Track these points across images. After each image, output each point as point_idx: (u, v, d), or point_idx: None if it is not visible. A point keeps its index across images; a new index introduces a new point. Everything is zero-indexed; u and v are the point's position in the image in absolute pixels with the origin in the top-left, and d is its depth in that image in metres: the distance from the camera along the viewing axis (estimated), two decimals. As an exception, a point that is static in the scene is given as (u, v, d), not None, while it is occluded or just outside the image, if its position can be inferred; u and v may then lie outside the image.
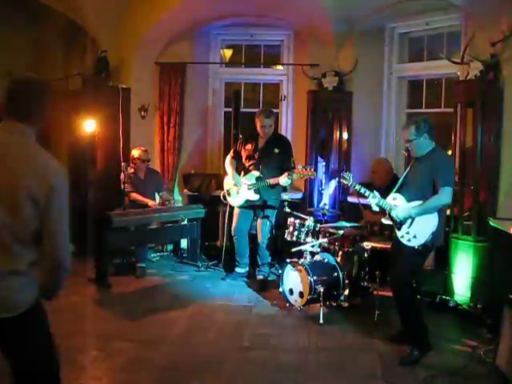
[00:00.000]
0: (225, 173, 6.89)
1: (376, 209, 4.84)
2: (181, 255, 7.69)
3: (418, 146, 4.53)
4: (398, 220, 4.53)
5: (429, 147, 4.52)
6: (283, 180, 6.13)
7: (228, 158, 6.79)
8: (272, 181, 6.25)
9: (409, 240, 4.47)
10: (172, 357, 4.49)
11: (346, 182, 5.00)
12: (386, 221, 4.73)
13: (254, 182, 6.41)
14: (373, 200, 4.76)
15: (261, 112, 6.54)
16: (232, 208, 6.84)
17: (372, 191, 4.79)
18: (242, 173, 6.62)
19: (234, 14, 7.81)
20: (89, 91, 7.57)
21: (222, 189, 6.86)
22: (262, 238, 6.57)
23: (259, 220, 6.57)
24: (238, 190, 6.53)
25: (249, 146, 6.62)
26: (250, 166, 6.55)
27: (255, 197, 6.43)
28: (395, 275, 4.59)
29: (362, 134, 7.70)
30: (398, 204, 4.57)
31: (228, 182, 6.71)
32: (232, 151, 6.84)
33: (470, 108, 5.79)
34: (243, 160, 6.67)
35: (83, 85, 7.80)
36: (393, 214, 4.57)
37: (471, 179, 5.76)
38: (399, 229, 4.55)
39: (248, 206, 6.59)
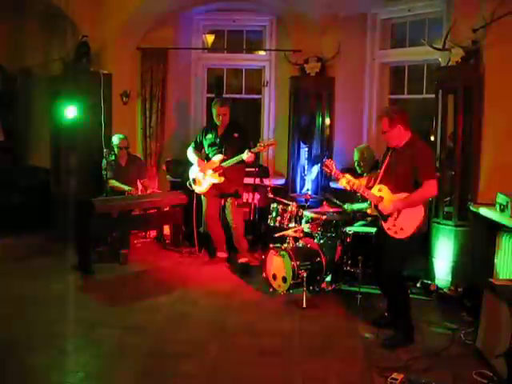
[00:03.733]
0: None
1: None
2: (164, 241, 7.69)
3: (392, 138, 4.54)
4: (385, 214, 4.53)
5: (405, 137, 4.52)
6: (246, 155, 6.26)
7: (190, 149, 6.92)
8: (235, 159, 6.39)
9: (396, 232, 4.46)
10: (157, 343, 4.50)
11: (328, 170, 5.03)
12: (371, 211, 4.73)
13: (217, 165, 6.51)
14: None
15: (216, 101, 6.76)
16: (199, 196, 6.89)
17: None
18: (205, 161, 6.76)
19: (216, -1, 7.77)
20: (69, 77, 7.48)
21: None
22: (234, 225, 6.70)
23: (228, 206, 6.69)
24: (204, 176, 6.62)
25: (209, 136, 6.78)
26: (213, 152, 6.69)
27: (220, 179, 6.54)
28: (386, 268, 4.54)
29: (344, 120, 7.74)
30: (383, 195, 4.55)
31: (193, 170, 6.82)
32: (193, 142, 6.97)
33: (451, 94, 5.84)
34: (205, 149, 6.82)
35: (64, 70, 7.70)
36: (380, 207, 4.55)
37: (452, 165, 5.82)
38: (385, 221, 4.54)
39: (215, 194, 6.71)
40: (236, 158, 6.39)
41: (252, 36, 8.54)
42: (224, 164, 6.50)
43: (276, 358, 4.27)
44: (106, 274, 6.32)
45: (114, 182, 7.07)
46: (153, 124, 8.10)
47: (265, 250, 6.11)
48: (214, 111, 6.65)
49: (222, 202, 6.81)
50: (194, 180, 6.82)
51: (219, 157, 6.56)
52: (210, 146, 6.76)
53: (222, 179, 6.54)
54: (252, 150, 6.25)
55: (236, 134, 6.62)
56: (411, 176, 4.44)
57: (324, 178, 7.41)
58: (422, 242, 5.54)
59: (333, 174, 5.00)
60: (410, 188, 4.44)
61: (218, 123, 6.68)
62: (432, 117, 6.13)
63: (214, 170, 6.55)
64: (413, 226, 4.40)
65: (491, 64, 5.58)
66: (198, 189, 6.80)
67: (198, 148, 6.91)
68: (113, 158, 7.21)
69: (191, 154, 6.86)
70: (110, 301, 5.43)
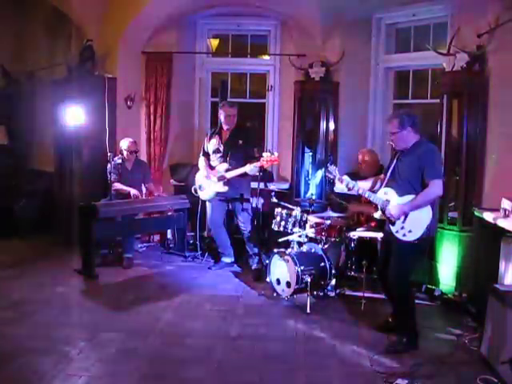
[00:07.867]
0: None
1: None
2: (168, 246, 7.69)
3: (400, 139, 4.50)
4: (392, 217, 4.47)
5: (413, 140, 4.50)
6: (249, 169, 6.27)
7: (200, 158, 6.90)
8: (239, 171, 6.36)
9: (404, 235, 4.42)
10: (160, 347, 4.49)
11: (331, 176, 4.95)
12: (378, 216, 4.67)
13: (222, 173, 6.49)
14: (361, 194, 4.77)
15: (225, 103, 6.76)
16: (204, 202, 6.90)
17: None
18: (210, 168, 6.75)
19: (220, 4, 7.77)
20: (74, 80, 7.49)
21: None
22: (244, 230, 6.69)
23: (238, 211, 6.67)
24: (209, 183, 6.62)
25: (213, 141, 6.73)
26: (217, 159, 6.67)
27: (224, 188, 6.53)
28: (395, 272, 4.50)
29: (348, 125, 7.72)
30: (389, 198, 4.51)
31: (199, 177, 6.82)
32: (202, 150, 6.95)
33: (455, 99, 5.83)
34: (210, 156, 6.78)
35: (68, 74, 7.72)
36: (386, 212, 4.49)
37: (457, 169, 5.80)
38: (393, 224, 4.49)
39: (220, 199, 6.67)
40: (240, 170, 6.36)
41: (256, 40, 8.54)
42: (228, 174, 6.46)
43: (280, 363, 4.25)
44: (109, 278, 6.32)
45: (118, 185, 7.06)
46: (157, 128, 8.11)
47: (269, 255, 6.09)
48: (223, 113, 6.58)
49: (229, 207, 6.75)
50: (199, 186, 6.81)
51: (224, 166, 6.53)
52: (214, 152, 6.72)
53: (226, 188, 6.51)
54: (254, 164, 6.21)
55: (241, 141, 6.57)
56: (417, 178, 4.41)
57: (328, 182, 7.37)
58: (430, 246, 5.51)
59: (337, 179, 4.92)
60: (417, 190, 4.41)
61: (224, 127, 6.62)
62: (436, 121, 6.11)
63: (219, 179, 6.53)
64: (421, 228, 4.37)
65: (496, 69, 5.58)
66: (202, 195, 6.80)
67: (207, 156, 6.84)
68: (119, 161, 7.20)
69: (201, 162, 6.85)
70: (113, 305, 5.42)
